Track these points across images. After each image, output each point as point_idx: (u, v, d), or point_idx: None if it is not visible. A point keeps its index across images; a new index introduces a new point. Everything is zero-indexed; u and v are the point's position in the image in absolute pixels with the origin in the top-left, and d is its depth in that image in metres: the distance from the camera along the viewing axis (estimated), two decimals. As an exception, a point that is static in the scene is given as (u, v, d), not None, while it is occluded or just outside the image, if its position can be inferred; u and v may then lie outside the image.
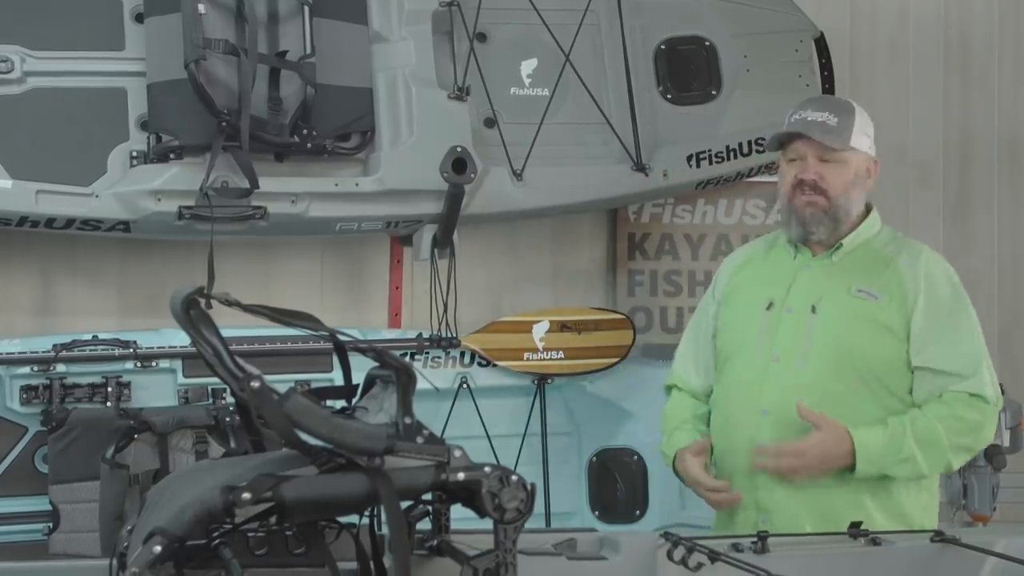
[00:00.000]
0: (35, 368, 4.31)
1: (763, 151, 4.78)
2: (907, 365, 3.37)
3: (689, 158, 4.85)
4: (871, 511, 3.30)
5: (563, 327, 4.77)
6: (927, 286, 3.38)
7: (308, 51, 4.33)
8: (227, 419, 4.25)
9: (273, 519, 2.21)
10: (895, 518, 3.33)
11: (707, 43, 4.96)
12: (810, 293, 3.44)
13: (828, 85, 5.07)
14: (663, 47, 4.93)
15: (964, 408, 3.33)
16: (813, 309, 3.42)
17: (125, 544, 2.32)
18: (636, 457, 4.89)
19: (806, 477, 3.33)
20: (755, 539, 2.70)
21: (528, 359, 4.74)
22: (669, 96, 4.91)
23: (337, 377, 2.58)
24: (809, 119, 3.42)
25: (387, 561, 2.36)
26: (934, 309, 3.37)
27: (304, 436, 2.19)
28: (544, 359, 4.75)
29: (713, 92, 4.95)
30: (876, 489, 3.35)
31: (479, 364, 4.72)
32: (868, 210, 3.52)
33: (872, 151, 3.49)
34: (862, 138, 3.46)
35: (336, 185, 4.42)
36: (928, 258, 3.46)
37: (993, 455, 4.99)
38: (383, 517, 2.29)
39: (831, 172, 3.42)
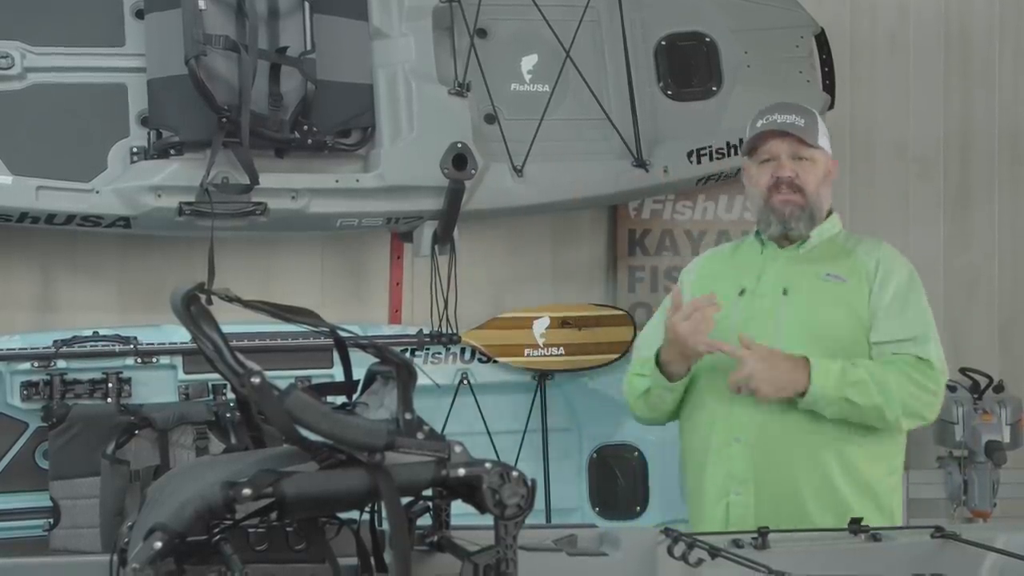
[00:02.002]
0: (36, 364, 4.31)
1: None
2: (868, 341, 3.53)
3: (689, 154, 4.85)
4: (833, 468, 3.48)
5: (564, 323, 4.77)
6: (884, 271, 3.58)
7: (308, 47, 4.33)
8: (227, 415, 4.25)
9: (274, 515, 2.21)
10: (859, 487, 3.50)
11: (707, 39, 4.95)
12: (780, 280, 3.61)
13: (828, 81, 5.07)
14: (663, 43, 4.92)
15: (912, 369, 3.48)
16: (784, 292, 3.58)
17: (126, 540, 2.32)
18: (637, 453, 4.88)
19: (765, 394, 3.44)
20: (755, 535, 2.70)
21: (528, 355, 4.74)
22: (669, 92, 4.91)
23: (337, 373, 2.58)
24: (780, 121, 3.61)
25: (387, 557, 2.36)
26: (889, 290, 3.56)
27: (304, 432, 2.19)
28: (545, 355, 4.75)
29: (713, 88, 4.94)
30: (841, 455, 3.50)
31: (479, 360, 4.72)
32: (829, 212, 3.71)
33: (830, 152, 3.69)
34: (824, 139, 3.67)
35: (336, 181, 4.42)
36: (885, 249, 3.67)
37: (993, 451, 4.99)
38: (383, 513, 2.29)
39: (804, 170, 3.62)
